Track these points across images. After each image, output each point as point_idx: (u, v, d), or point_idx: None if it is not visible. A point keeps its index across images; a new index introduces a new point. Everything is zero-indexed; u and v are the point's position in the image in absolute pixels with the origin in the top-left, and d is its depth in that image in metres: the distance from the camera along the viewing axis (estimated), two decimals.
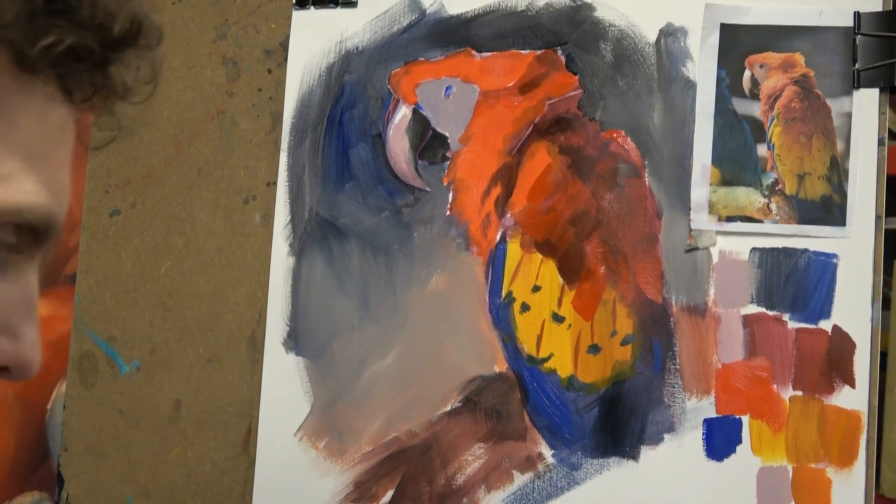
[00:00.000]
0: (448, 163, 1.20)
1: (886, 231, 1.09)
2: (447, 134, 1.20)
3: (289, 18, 1.26)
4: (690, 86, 1.14)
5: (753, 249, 1.12)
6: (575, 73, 1.17)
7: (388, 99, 1.22)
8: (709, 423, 1.11)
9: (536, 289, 1.16)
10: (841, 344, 1.09)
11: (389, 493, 1.18)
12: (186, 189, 1.26)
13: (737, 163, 1.13)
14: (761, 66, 1.13)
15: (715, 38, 1.14)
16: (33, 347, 0.55)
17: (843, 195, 1.09)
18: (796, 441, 1.09)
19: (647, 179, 1.15)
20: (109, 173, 1.29)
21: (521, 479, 1.15)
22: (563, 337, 1.15)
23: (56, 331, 1.36)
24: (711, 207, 1.13)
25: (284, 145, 1.24)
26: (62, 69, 0.51)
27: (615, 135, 1.16)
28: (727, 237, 1.12)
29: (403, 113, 1.21)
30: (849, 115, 1.10)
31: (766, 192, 1.12)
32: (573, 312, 1.15)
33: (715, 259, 1.12)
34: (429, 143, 1.20)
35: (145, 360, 1.27)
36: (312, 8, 1.25)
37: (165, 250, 1.27)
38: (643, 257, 1.14)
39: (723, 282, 1.12)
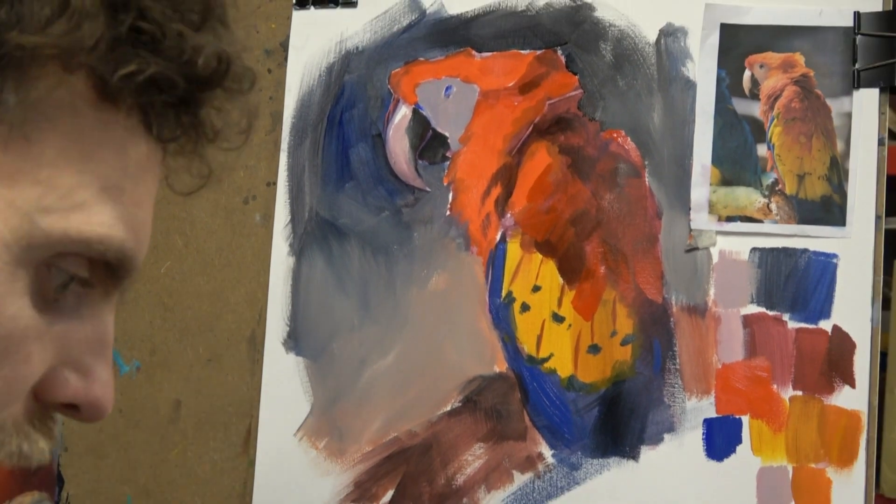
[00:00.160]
0: (448, 163, 1.20)
1: (886, 231, 1.09)
2: (447, 134, 1.20)
3: (289, 18, 1.26)
4: (690, 86, 1.14)
5: (753, 249, 1.12)
6: (575, 73, 1.17)
7: (388, 99, 1.22)
8: (709, 423, 1.11)
9: (536, 289, 1.16)
10: (841, 344, 1.09)
11: (389, 493, 1.18)
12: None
13: (737, 163, 1.13)
14: (761, 66, 1.13)
15: (715, 38, 1.14)
16: (105, 387, 0.54)
17: (843, 195, 1.09)
18: (796, 441, 1.09)
19: (647, 179, 1.15)
20: None
21: (521, 479, 1.15)
22: (563, 337, 1.15)
23: None
24: (711, 207, 1.13)
25: (284, 145, 1.24)
26: (144, 100, 0.50)
27: (615, 135, 1.16)
28: (727, 237, 1.12)
29: (403, 113, 1.21)
30: (849, 115, 1.10)
31: (766, 192, 1.12)
32: (573, 312, 1.15)
33: (715, 259, 1.12)
34: (429, 143, 1.20)
35: (145, 360, 1.27)
36: (312, 8, 1.25)
37: (165, 250, 1.27)
38: (643, 257, 1.14)
39: (723, 282, 1.12)
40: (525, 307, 1.16)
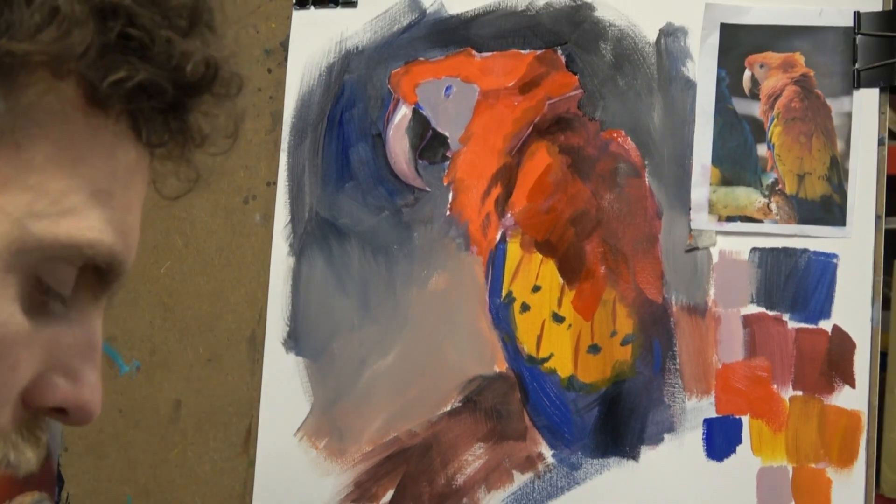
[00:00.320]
0: (448, 163, 1.20)
1: (886, 231, 1.09)
2: (447, 134, 1.20)
3: (289, 18, 1.26)
4: (690, 86, 1.14)
5: (753, 249, 1.12)
6: (575, 73, 1.17)
7: (388, 99, 1.22)
8: (709, 423, 1.11)
9: (536, 289, 1.16)
10: (841, 344, 1.09)
11: (389, 493, 1.18)
12: None
13: (737, 163, 1.13)
14: (761, 66, 1.13)
15: (715, 38, 1.14)
16: (93, 391, 0.54)
17: (843, 195, 1.09)
18: (796, 441, 1.09)
19: (647, 179, 1.15)
20: None
21: (521, 479, 1.15)
22: (563, 337, 1.15)
23: None
24: (711, 207, 1.13)
25: (284, 145, 1.24)
26: (133, 106, 0.50)
27: (615, 135, 1.16)
28: (727, 237, 1.12)
29: (403, 113, 1.21)
30: (849, 115, 1.10)
31: (766, 192, 1.12)
32: (573, 312, 1.15)
33: (715, 259, 1.12)
34: (429, 142, 1.20)
35: (145, 360, 1.27)
36: (312, 8, 1.25)
37: (165, 250, 1.27)
38: (643, 257, 1.14)
39: (723, 282, 1.12)
40: (525, 307, 1.16)
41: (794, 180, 1.11)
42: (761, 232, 1.11)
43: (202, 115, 0.54)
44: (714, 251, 1.12)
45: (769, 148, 1.12)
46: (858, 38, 1.10)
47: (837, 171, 1.10)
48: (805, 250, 1.10)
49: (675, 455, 1.11)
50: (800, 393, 1.09)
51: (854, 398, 1.08)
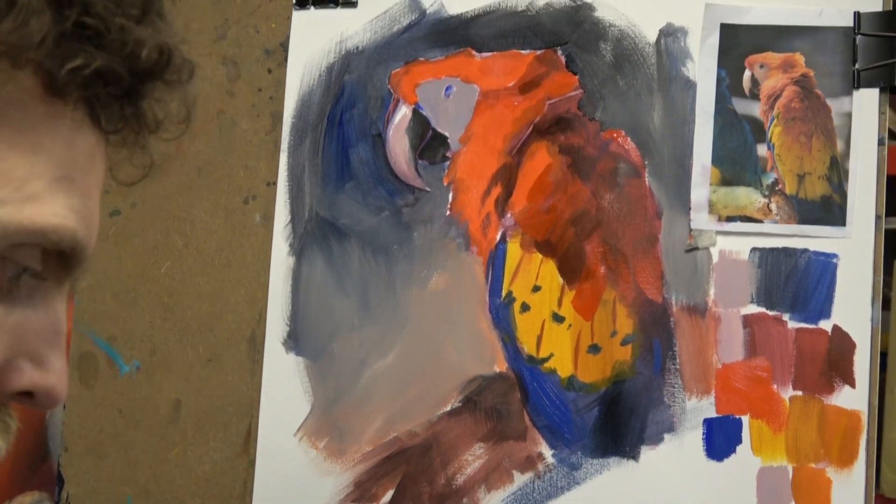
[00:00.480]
0: (448, 163, 1.20)
1: (886, 231, 1.09)
2: (447, 134, 1.20)
3: (289, 18, 1.26)
4: (690, 86, 1.14)
5: (753, 249, 1.12)
6: (575, 73, 1.17)
7: (388, 99, 1.22)
8: (709, 423, 1.11)
9: (536, 289, 1.16)
10: (841, 344, 1.09)
11: (389, 493, 1.18)
12: (186, 189, 1.26)
13: (737, 163, 1.13)
14: (761, 66, 1.13)
15: (715, 38, 1.14)
16: (59, 376, 0.55)
17: (843, 195, 1.09)
18: (796, 441, 1.09)
19: (647, 179, 1.15)
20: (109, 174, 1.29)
21: (521, 479, 1.15)
22: (563, 337, 1.15)
23: None
24: (711, 207, 1.13)
25: (284, 145, 1.24)
26: (90, 93, 0.51)
27: (615, 135, 1.16)
28: (727, 237, 1.12)
29: (403, 113, 1.21)
30: (849, 115, 1.10)
31: (766, 192, 1.12)
32: (573, 312, 1.15)
33: (715, 259, 1.12)
34: (429, 143, 1.20)
35: (145, 360, 1.27)
36: (312, 8, 1.25)
37: (165, 250, 1.27)
38: (643, 257, 1.14)
39: (723, 282, 1.12)
40: (525, 307, 1.16)
41: (794, 180, 1.11)
42: (761, 232, 1.11)
43: (155, 101, 0.55)
44: (714, 251, 1.12)
45: (769, 148, 1.12)
46: (858, 38, 1.10)
47: (837, 171, 1.10)
48: (805, 250, 1.10)
49: (675, 455, 1.11)
50: (800, 393, 1.09)
51: (854, 398, 1.08)
